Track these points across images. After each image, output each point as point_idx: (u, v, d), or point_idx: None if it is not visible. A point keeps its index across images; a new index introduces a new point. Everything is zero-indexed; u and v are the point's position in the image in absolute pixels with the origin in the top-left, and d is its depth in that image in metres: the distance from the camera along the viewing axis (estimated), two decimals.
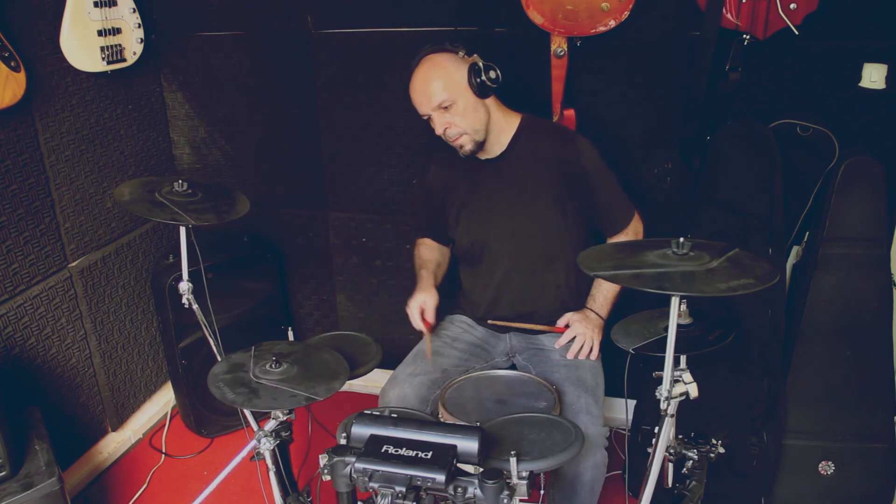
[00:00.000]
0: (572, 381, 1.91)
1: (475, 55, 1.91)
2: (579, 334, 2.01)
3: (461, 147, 1.96)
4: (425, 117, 1.96)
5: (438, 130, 1.94)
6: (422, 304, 1.99)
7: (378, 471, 1.30)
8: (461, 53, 1.92)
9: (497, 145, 2.01)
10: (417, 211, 2.35)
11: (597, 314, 2.04)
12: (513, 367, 2.12)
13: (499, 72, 1.89)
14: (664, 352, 1.42)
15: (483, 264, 2.11)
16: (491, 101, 1.96)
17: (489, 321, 2.12)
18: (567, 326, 2.04)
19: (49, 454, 1.91)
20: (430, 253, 2.21)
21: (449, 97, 1.89)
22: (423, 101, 1.92)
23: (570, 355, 2.00)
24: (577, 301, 2.09)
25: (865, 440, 2.02)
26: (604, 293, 2.07)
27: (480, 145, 1.97)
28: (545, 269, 2.05)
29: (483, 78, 1.87)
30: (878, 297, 1.97)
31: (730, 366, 2.01)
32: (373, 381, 2.30)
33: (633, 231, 2.09)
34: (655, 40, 2.20)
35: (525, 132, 2.02)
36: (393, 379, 1.98)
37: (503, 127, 2.00)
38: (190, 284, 1.80)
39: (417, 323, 1.99)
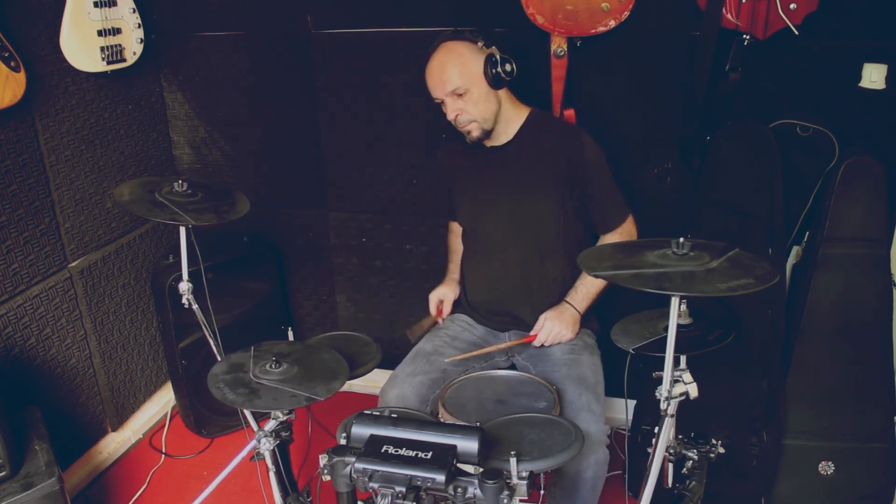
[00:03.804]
0: (573, 379, 1.91)
1: (493, 47, 1.95)
2: (546, 329, 2.01)
3: (469, 133, 2.01)
4: (438, 101, 2.01)
5: (450, 116, 1.99)
6: (442, 296, 2.22)
7: (378, 471, 1.30)
8: (480, 44, 1.95)
9: (504, 135, 2.06)
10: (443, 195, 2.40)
11: (573, 308, 2.05)
12: (512, 366, 2.12)
13: (514, 65, 1.94)
14: (664, 352, 1.42)
15: (482, 252, 2.15)
16: (503, 93, 2.00)
17: (447, 359, 2.06)
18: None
19: (49, 454, 1.91)
20: (456, 241, 2.31)
21: (463, 85, 1.93)
22: (437, 86, 1.97)
23: (536, 343, 2.02)
24: None
25: (865, 440, 2.02)
26: (587, 287, 2.07)
27: (488, 133, 2.02)
28: (542, 262, 2.07)
29: (498, 70, 1.92)
30: (878, 297, 1.97)
31: (730, 366, 2.01)
32: (373, 381, 2.30)
33: (626, 232, 2.10)
34: (655, 40, 2.20)
35: (532, 125, 2.06)
36: (393, 379, 1.98)
37: (511, 117, 2.05)
38: (190, 284, 1.80)
39: (433, 310, 2.22)
